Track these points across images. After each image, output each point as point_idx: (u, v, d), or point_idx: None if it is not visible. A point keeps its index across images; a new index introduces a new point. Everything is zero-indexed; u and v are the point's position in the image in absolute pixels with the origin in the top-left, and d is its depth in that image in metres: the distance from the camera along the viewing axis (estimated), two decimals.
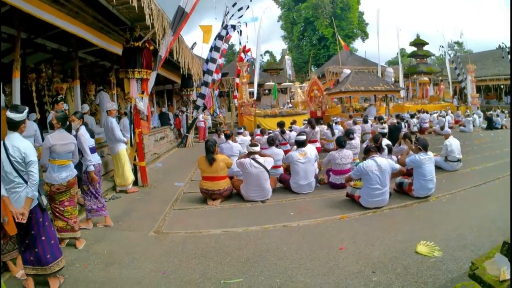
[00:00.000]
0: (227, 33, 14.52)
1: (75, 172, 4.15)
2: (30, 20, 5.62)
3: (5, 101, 7.38)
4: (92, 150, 4.96)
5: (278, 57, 45.63)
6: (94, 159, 4.90)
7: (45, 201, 3.25)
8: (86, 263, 3.84)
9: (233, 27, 15.07)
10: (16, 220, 2.94)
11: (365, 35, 45.08)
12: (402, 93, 22.94)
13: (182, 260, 3.73)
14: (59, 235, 4.16)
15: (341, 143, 6.14)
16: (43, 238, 3.22)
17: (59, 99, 5.65)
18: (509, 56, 25.24)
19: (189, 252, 3.92)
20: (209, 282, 3.20)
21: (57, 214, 4.13)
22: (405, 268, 3.16)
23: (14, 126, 3.01)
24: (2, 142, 2.96)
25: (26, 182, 3.02)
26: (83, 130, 4.88)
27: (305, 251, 3.61)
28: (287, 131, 10.29)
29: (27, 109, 3.15)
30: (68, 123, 4.18)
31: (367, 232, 4.11)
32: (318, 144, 9.96)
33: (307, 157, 5.89)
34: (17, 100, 5.68)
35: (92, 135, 5.02)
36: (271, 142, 6.89)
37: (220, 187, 5.67)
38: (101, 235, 4.69)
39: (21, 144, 2.98)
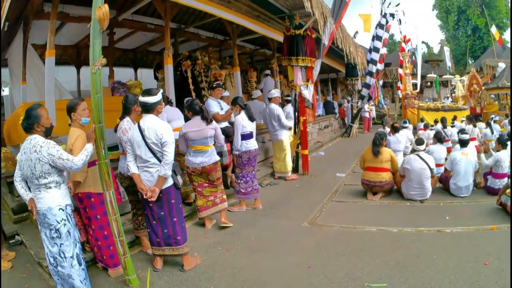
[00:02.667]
0: (387, 21, 13.84)
1: (214, 159, 4.13)
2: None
3: (157, 86, 8.34)
4: (249, 136, 4.93)
5: (433, 48, 43.07)
6: (246, 145, 4.88)
7: (180, 181, 3.26)
8: (229, 247, 3.78)
9: (392, 15, 14.24)
10: (145, 197, 3.03)
11: None
12: None
13: (330, 256, 3.50)
14: (199, 215, 4.28)
15: (505, 143, 5.71)
16: (174, 219, 3.20)
17: (214, 85, 5.75)
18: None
19: (340, 248, 3.67)
20: (353, 282, 3.01)
21: (196, 193, 4.25)
22: None
23: (149, 108, 3.02)
24: (137, 124, 3.06)
25: (160, 161, 3.05)
26: (240, 116, 4.90)
27: (453, 261, 3.34)
28: (449, 128, 10.30)
29: (161, 91, 3.19)
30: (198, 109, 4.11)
31: None
32: (476, 143, 8.84)
33: (468, 158, 5.57)
34: (170, 85, 6.21)
35: (251, 118, 4.98)
36: (440, 138, 6.77)
37: (382, 179, 5.49)
38: (251, 220, 4.63)
39: (157, 126, 2.99)
